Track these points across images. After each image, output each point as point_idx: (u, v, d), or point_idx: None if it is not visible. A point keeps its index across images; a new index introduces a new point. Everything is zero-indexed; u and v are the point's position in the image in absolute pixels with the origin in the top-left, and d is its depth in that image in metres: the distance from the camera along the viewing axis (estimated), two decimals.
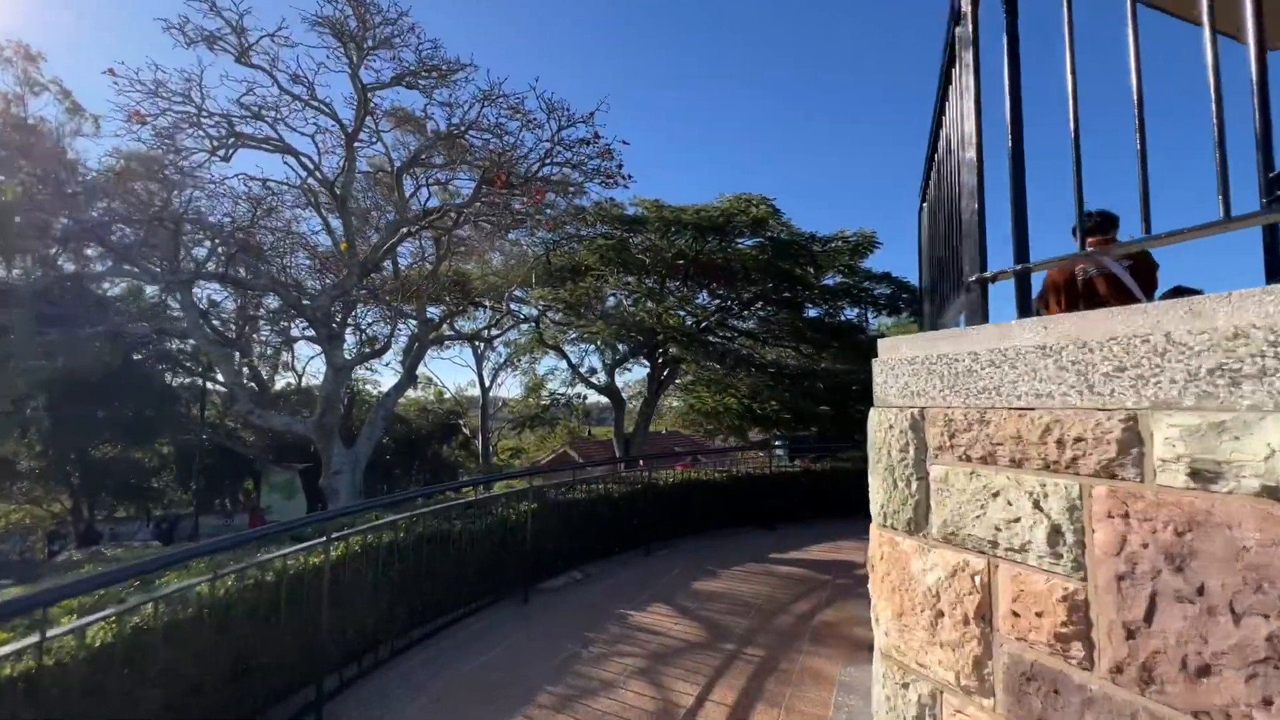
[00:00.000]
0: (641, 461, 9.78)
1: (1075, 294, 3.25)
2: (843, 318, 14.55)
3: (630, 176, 8.81)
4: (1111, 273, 3.19)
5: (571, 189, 9.41)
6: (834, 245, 11.50)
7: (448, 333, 14.57)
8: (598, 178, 9.21)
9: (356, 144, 10.18)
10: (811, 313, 14.57)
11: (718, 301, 16.28)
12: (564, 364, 20.40)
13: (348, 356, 11.43)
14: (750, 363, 11.36)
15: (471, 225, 10.67)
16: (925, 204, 3.18)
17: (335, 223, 10.30)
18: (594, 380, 18.97)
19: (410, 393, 33.31)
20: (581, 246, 10.72)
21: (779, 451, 21.16)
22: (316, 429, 10.34)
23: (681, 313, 9.31)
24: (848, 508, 8.28)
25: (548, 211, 10.16)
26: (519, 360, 30.13)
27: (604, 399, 19.25)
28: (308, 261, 11.92)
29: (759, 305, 15.68)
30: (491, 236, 12.43)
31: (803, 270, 11.58)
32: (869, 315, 14.55)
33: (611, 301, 12.10)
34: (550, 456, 34.70)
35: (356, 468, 10.91)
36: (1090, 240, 3.30)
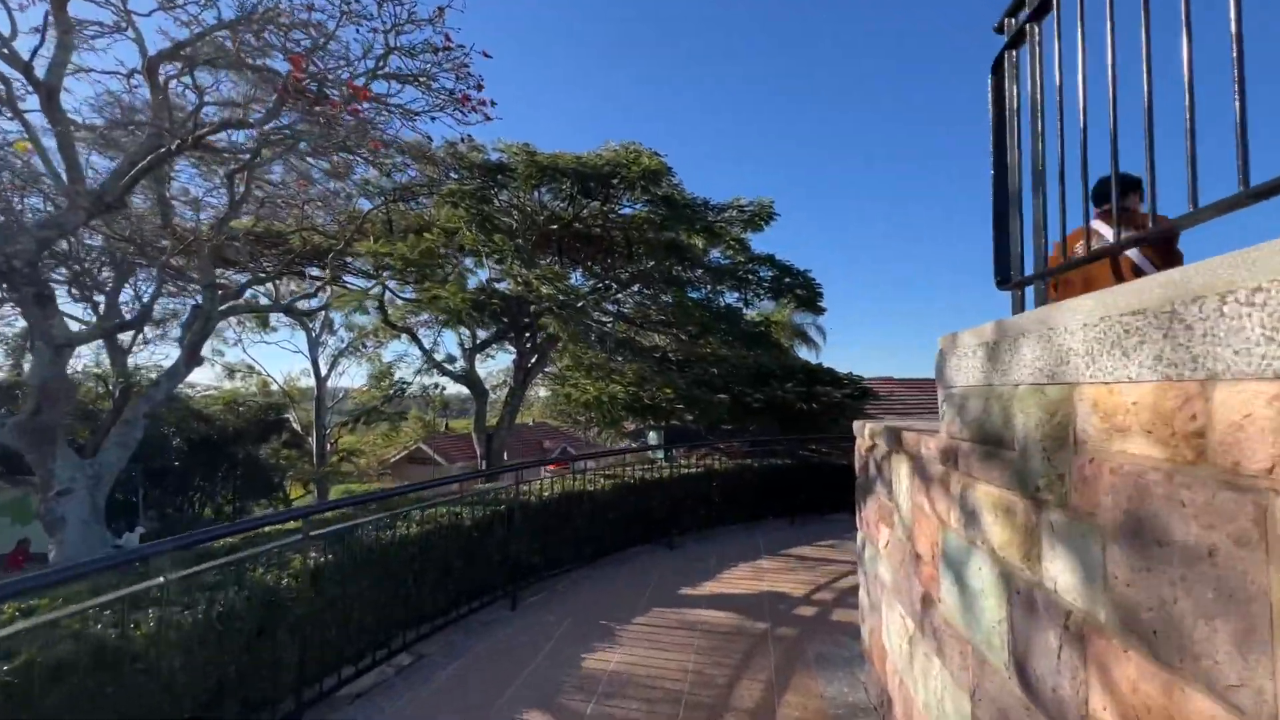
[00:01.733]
0: (512, 471, 7.91)
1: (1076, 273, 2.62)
2: (724, 302, 13.70)
3: (493, 103, 6.86)
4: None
5: (415, 115, 7.20)
6: (728, 215, 10.42)
7: (253, 304, 11.38)
8: (449, 105, 7.10)
9: (89, 29, 7.06)
10: (694, 295, 13.54)
11: (593, 281, 14.72)
12: (417, 349, 17.70)
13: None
14: (632, 347, 9.93)
15: (276, 154, 7.97)
16: None
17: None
18: (450, 367, 16.54)
19: (227, 384, 27.75)
20: (430, 200, 8.44)
21: (659, 450, 20.09)
22: (21, 432, 7.11)
23: (555, 290, 7.65)
24: (757, 512, 7.14)
25: (382, 144, 7.80)
26: (364, 345, 26.24)
27: (465, 389, 16.92)
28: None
29: (639, 288, 14.36)
30: (310, 179, 9.68)
31: (693, 241, 10.36)
32: (749, 300, 13.83)
33: (470, 263, 9.97)
34: (400, 454, 31.04)
35: (97, 485, 7.77)
36: (1098, 211, 2.81)
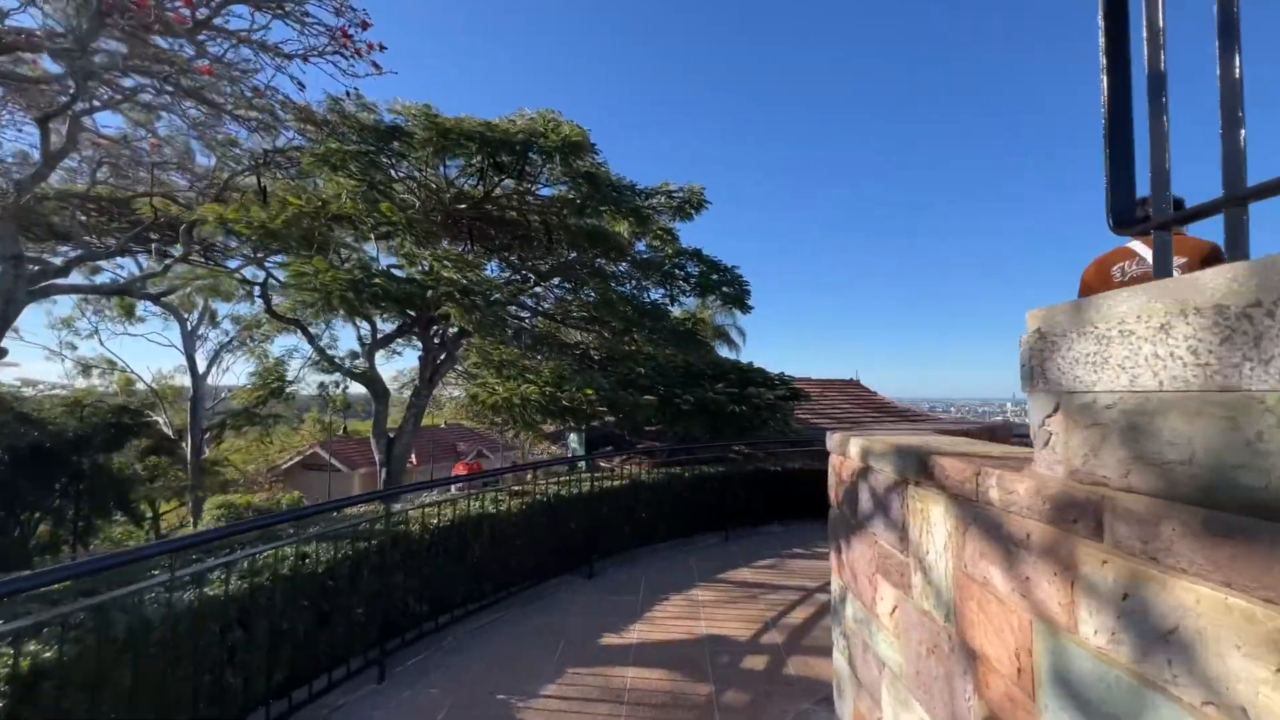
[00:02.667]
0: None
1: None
2: (650, 298, 12.99)
3: (382, 48, 5.68)
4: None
5: (288, 58, 5.87)
6: (656, 201, 9.66)
7: (78, 286, 9.35)
8: (330, 48, 5.84)
9: None
10: (620, 290, 12.73)
11: (509, 273, 13.57)
12: (310, 344, 15.74)
13: None
14: (551, 343, 8.96)
15: (104, 96, 6.35)
16: None
17: None
18: (346, 364, 14.82)
19: (82, 381, 23.81)
20: (309, 162, 7.02)
21: (582, 456, 19.06)
22: None
23: (458, 275, 6.48)
24: (687, 527, 6.40)
25: (249, 102, 6.37)
26: (251, 338, 23.38)
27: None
28: None
29: (560, 281, 13.38)
30: (162, 138, 8.01)
31: (618, 229, 9.52)
32: (675, 296, 13.18)
33: (359, 241, 8.48)
34: (292, 461, 28.15)
35: None
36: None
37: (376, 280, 5.96)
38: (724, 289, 12.50)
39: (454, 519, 4.26)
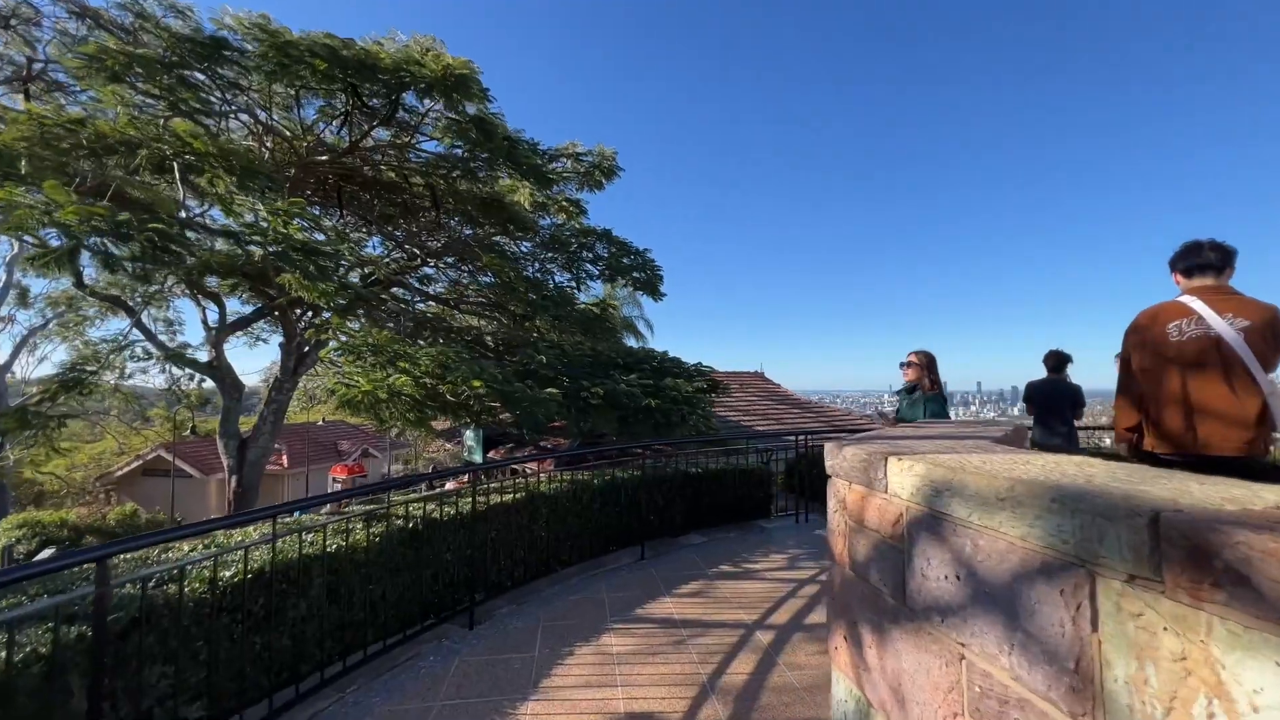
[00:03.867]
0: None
1: (1167, 354, 2.41)
2: (555, 281, 11.79)
3: None
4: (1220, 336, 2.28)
5: None
6: (562, 166, 8.46)
7: None
8: None
9: None
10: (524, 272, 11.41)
11: (392, 246, 11.83)
12: (141, 327, 12.99)
13: None
14: (438, 327, 7.59)
15: None
16: None
17: None
18: (179, 350, 12.41)
19: None
20: (76, 66, 4.97)
21: (476, 455, 17.38)
22: None
23: (290, 229, 4.84)
24: (597, 546, 5.36)
25: None
26: (62, 320, 19.37)
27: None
28: None
29: (453, 260, 11.83)
30: None
31: (518, 198, 8.25)
32: (581, 280, 12.05)
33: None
34: (129, 467, 24.02)
35: None
36: (1190, 281, 2.51)
37: (154, 225, 4.27)
38: (635, 274, 11.61)
39: (270, 571, 2.94)
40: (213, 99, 6.47)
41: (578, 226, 11.15)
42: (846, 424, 18.77)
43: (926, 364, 4.55)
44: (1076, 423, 5.31)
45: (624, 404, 6.72)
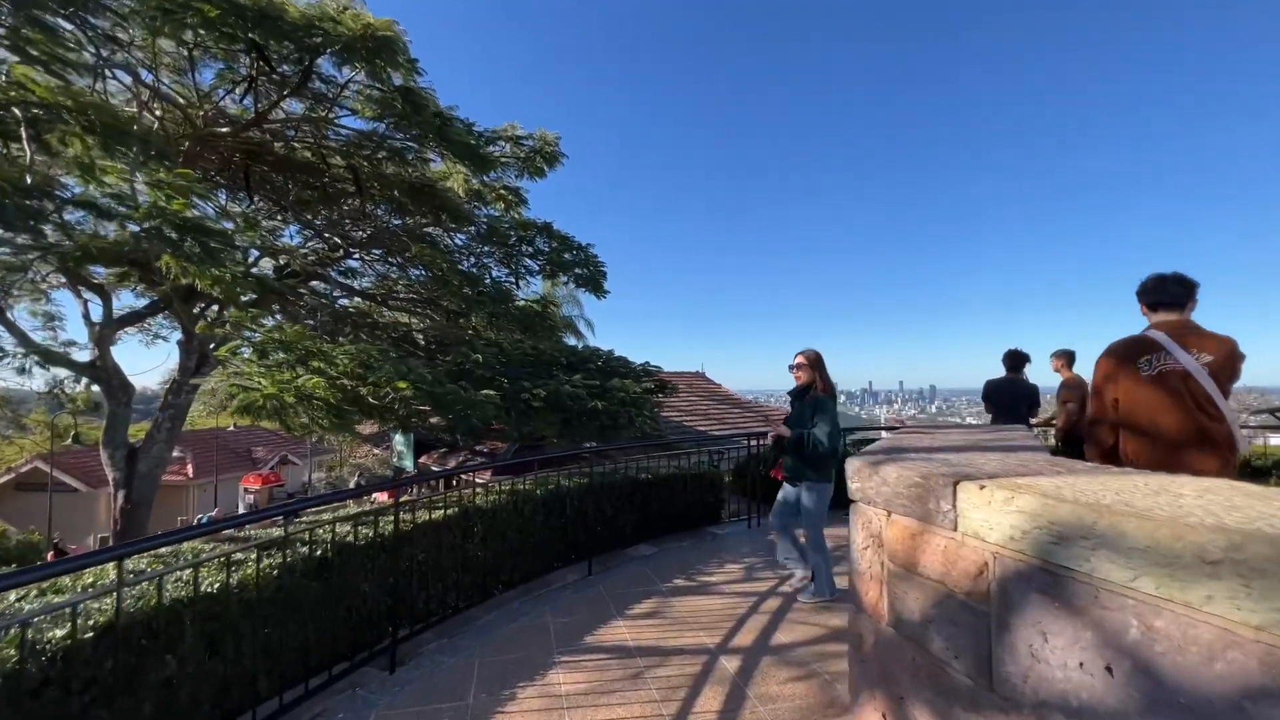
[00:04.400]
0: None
1: (1139, 387, 2.61)
2: (493, 276, 11.13)
3: None
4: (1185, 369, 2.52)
5: None
6: (501, 150, 7.85)
7: None
8: None
9: None
10: (458, 267, 10.69)
11: (312, 236, 10.83)
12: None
13: None
14: (361, 323, 6.86)
15: None
16: None
17: None
18: (54, 349, 10.92)
19: None
20: None
21: (406, 461, 16.37)
22: None
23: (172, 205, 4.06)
24: (541, 564, 4.87)
25: None
26: None
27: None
28: None
29: (382, 254, 10.97)
30: None
31: (451, 184, 7.60)
32: (519, 275, 11.43)
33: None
34: (4, 478, 21.25)
35: None
36: (1156, 315, 2.74)
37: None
38: (577, 269, 11.14)
39: (113, 621, 2.30)
40: (86, 54, 5.50)
41: (517, 218, 10.56)
42: None
43: (816, 363, 4.12)
44: (1032, 421, 5.31)
45: (568, 406, 6.25)
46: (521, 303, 11.18)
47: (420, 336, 7.76)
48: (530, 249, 10.82)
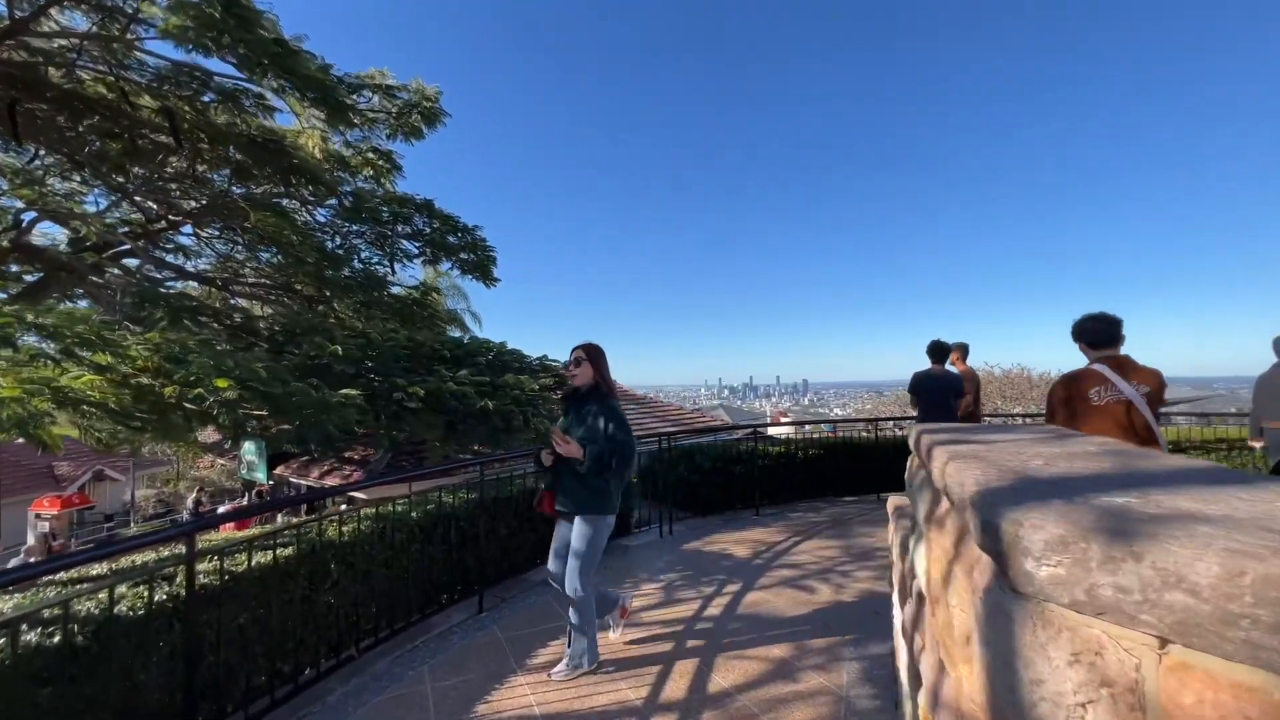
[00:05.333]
0: None
1: (1090, 414, 3.07)
2: (359, 261, 9.66)
3: None
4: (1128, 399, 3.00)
5: None
6: (367, 102, 6.52)
7: None
8: None
9: None
10: (318, 243, 9.11)
11: (120, 200, 8.74)
12: None
13: None
14: (174, 305, 5.39)
15: None
16: None
17: None
18: None
19: None
20: None
21: (259, 473, 14.29)
22: None
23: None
24: (419, 602, 3.91)
25: None
26: None
27: None
28: None
29: (222, 229, 9.14)
30: None
31: (308, 135, 6.23)
32: (396, 256, 10.06)
33: None
34: None
35: None
36: (1097, 351, 3.22)
37: None
38: (463, 254, 10.01)
39: None
40: None
41: (391, 193, 9.21)
42: (698, 423, 18.83)
43: (597, 359, 3.21)
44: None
45: (452, 406, 5.28)
46: (400, 291, 9.85)
47: (263, 325, 6.31)
48: (408, 229, 9.53)
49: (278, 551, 3.09)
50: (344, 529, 3.52)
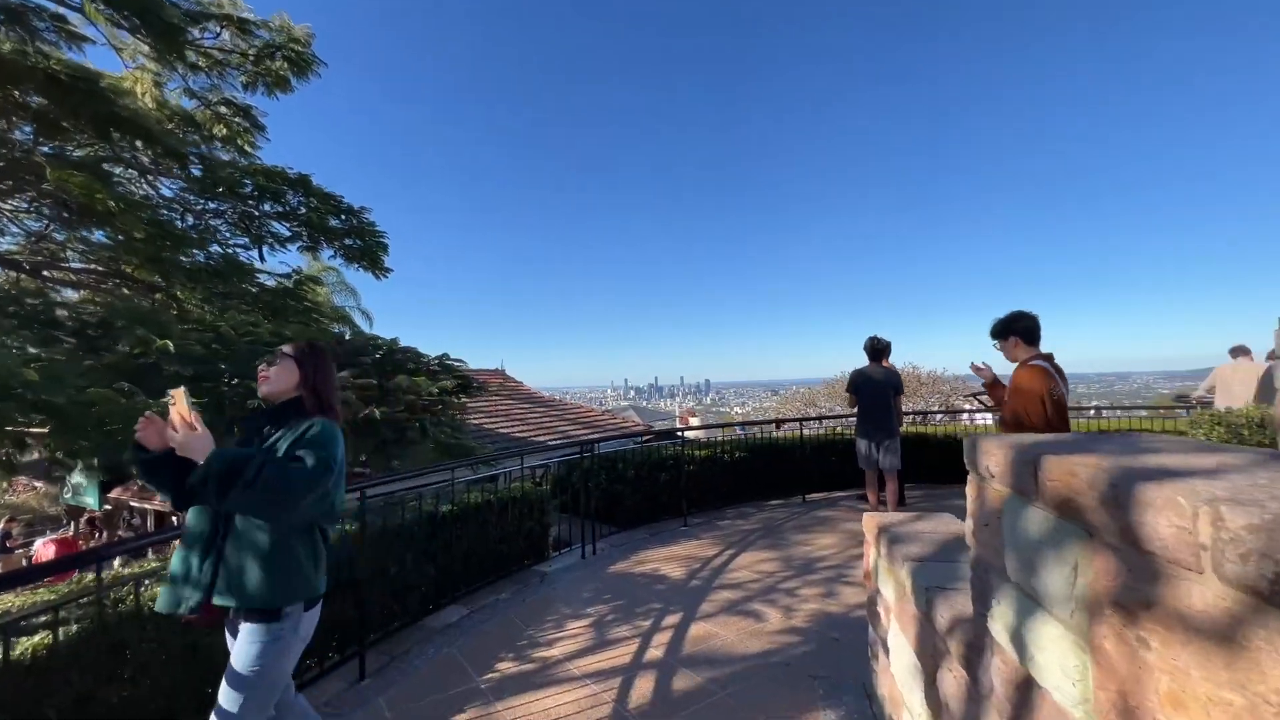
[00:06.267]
0: None
1: (1059, 407, 3.26)
2: (217, 245, 8.14)
3: None
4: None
5: None
6: (211, 37, 5.24)
7: None
8: None
9: None
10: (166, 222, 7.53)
11: None
12: None
13: None
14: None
15: None
16: None
17: None
18: None
19: None
20: None
21: (88, 497, 12.15)
22: None
23: None
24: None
25: None
26: None
27: None
28: None
29: (33, 202, 7.37)
30: None
31: (142, 72, 4.88)
32: (263, 239, 8.62)
33: None
34: None
35: None
36: (1032, 349, 3.45)
37: None
38: (348, 240, 8.79)
39: None
40: None
41: (256, 164, 7.83)
42: (617, 428, 18.16)
43: (310, 361, 2.08)
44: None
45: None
46: (273, 284, 8.43)
47: (66, 315, 4.88)
48: (279, 207, 8.17)
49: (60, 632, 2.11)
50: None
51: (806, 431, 7.77)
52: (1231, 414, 4.84)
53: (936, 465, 7.92)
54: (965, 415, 11.34)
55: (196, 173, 7.15)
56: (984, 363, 3.88)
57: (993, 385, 3.96)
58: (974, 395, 16.23)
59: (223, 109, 6.13)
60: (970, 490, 1.39)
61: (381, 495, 3.86)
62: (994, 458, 1.22)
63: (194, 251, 7.67)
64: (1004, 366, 3.71)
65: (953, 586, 1.76)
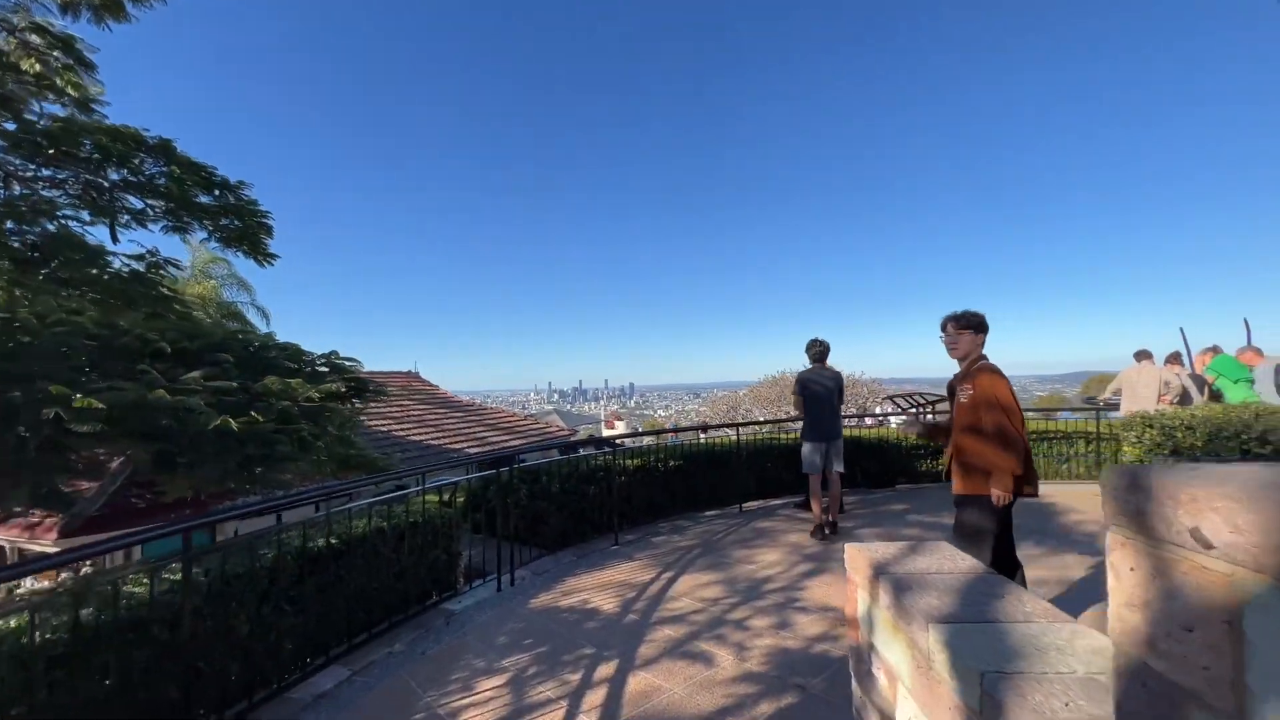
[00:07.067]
0: None
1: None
2: (51, 221, 6.70)
3: None
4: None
5: None
6: None
7: None
8: None
9: None
10: None
11: None
12: None
13: None
14: None
15: None
16: None
17: None
18: None
19: None
20: None
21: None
22: None
23: None
24: None
25: None
26: None
27: None
28: None
29: None
30: None
31: None
32: (115, 216, 7.24)
33: None
34: None
35: None
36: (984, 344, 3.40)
37: None
38: (224, 220, 7.60)
39: None
40: None
41: (99, 122, 6.52)
42: (539, 433, 17.20)
43: None
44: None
45: (164, 427, 3.33)
46: (125, 271, 7.06)
47: None
48: (132, 178, 6.88)
49: None
50: None
51: (740, 436, 7.37)
52: (1164, 416, 4.84)
53: (871, 471, 7.78)
54: (890, 419, 11.48)
55: (10, 126, 5.77)
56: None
57: (933, 430, 3.63)
58: (891, 398, 16.67)
59: (33, 38, 4.87)
60: (1122, 557, 0.86)
61: (245, 528, 2.97)
62: (1221, 513, 0.69)
63: (22, 226, 6.28)
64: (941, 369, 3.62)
65: (1017, 670, 1.24)
